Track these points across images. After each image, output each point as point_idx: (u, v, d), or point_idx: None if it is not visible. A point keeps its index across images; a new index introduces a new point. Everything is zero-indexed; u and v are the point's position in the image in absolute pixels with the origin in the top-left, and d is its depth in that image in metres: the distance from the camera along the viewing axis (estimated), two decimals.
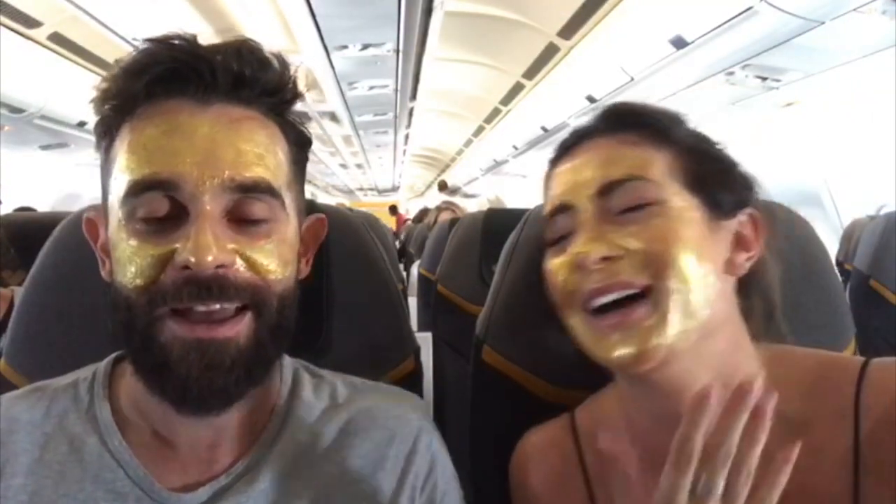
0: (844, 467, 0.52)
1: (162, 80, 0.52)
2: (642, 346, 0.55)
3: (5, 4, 2.43)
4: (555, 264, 0.61)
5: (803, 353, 0.61)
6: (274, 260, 0.53)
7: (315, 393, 0.63)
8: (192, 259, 0.48)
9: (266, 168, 0.53)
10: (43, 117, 3.44)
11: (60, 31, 2.92)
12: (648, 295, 0.55)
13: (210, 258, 0.48)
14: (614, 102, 0.65)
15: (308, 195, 0.64)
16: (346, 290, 0.80)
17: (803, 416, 0.55)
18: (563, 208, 0.61)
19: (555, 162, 0.65)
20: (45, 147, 4.23)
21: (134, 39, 2.81)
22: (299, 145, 0.59)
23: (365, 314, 0.80)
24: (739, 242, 0.60)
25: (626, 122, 0.62)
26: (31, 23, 2.74)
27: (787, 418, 0.51)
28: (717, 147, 0.63)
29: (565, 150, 0.65)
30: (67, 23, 2.83)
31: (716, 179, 0.59)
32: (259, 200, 0.53)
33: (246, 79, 0.54)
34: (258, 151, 0.53)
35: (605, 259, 0.56)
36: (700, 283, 0.55)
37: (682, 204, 0.57)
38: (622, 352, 0.56)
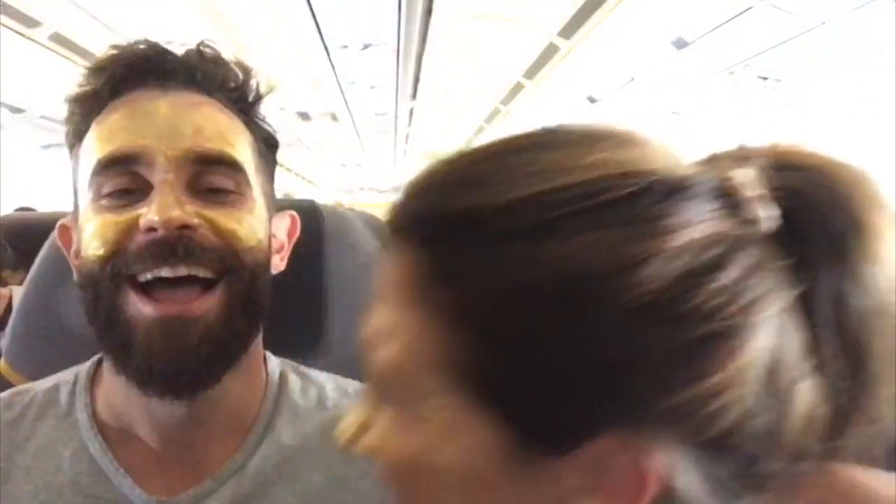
0: None
1: (124, 77, 0.54)
2: None
3: (5, 4, 2.43)
4: None
5: None
6: (241, 227, 0.52)
7: (302, 395, 0.61)
8: (156, 218, 0.47)
9: (227, 143, 0.53)
10: (43, 117, 3.44)
11: (60, 31, 2.92)
12: None
13: (175, 213, 0.48)
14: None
15: (307, 195, 0.64)
16: (346, 291, 0.79)
17: None
18: None
19: None
20: (45, 147, 4.23)
21: (134, 39, 2.81)
22: (266, 143, 0.59)
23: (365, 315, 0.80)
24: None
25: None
26: (31, 23, 2.73)
27: None
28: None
29: None
30: (67, 23, 2.83)
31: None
32: (221, 174, 0.52)
33: (204, 71, 0.55)
34: (219, 129, 0.54)
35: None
36: None
37: None
38: None
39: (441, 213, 0.31)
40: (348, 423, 0.37)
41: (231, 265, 0.51)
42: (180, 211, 0.48)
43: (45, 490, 0.53)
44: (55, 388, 0.59)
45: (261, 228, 0.55)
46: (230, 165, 0.53)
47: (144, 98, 0.53)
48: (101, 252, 0.49)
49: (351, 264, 0.80)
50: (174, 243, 0.48)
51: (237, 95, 0.57)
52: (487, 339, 0.29)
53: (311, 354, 0.69)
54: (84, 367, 0.60)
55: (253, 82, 0.58)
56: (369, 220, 0.92)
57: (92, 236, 0.50)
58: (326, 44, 3.08)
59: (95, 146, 0.52)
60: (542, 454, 0.29)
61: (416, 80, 4.31)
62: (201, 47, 0.56)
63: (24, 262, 1.74)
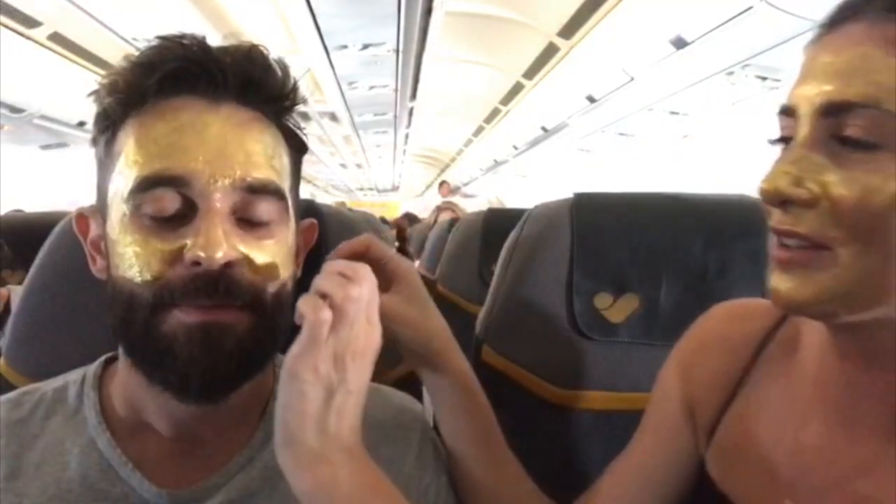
0: None
1: (173, 77, 0.52)
2: (795, 293, 0.46)
3: (5, 4, 2.43)
4: (770, 170, 0.47)
5: None
6: (276, 262, 0.54)
7: None
8: (203, 255, 0.48)
9: (273, 170, 0.54)
10: (43, 117, 3.44)
11: (60, 31, 2.92)
12: (833, 247, 0.44)
13: (220, 254, 0.49)
14: None
15: (308, 195, 0.64)
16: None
17: None
18: (786, 110, 0.48)
19: (813, 41, 0.48)
20: (45, 147, 4.23)
21: (134, 39, 2.81)
22: (297, 150, 0.60)
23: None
24: None
25: None
26: (31, 23, 2.73)
27: None
28: None
29: (828, 28, 0.46)
30: (67, 23, 2.82)
31: None
32: (266, 202, 0.53)
33: (254, 82, 0.54)
34: (267, 153, 0.54)
35: (790, 202, 0.45)
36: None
37: None
38: (774, 286, 0.47)
39: None
40: (776, 174, 0.45)
41: (261, 301, 0.53)
42: (226, 247, 0.49)
43: (55, 486, 0.53)
44: (63, 388, 0.60)
45: (291, 259, 0.57)
46: (274, 194, 0.54)
47: (193, 109, 0.52)
48: (146, 278, 0.50)
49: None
50: (217, 279, 0.49)
51: (280, 107, 0.57)
52: None
53: None
54: (92, 367, 0.61)
55: (291, 84, 0.58)
56: (369, 220, 0.92)
57: (134, 258, 0.50)
58: (326, 44, 3.08)
59: (138, 156, 0.51)
60: None
61: (416, 80, 4.31)
62: (252, 51, 0.55)
63: (24, 262, 1.75)
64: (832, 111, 0.43)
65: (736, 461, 0.57)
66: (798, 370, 0.56)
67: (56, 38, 2.93)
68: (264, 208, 0.53)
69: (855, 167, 0.42)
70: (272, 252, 0.53)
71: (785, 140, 0.48)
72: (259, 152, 0.53)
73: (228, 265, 0.50)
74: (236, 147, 0.52)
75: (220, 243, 0.49)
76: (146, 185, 0.50)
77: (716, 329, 0.63)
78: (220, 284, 0.50)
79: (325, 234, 0.77)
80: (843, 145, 0.43)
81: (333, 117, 5.29)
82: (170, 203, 0.50)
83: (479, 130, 6.57)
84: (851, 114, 0.42)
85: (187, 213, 0.50)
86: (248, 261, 0.52)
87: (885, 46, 0.41)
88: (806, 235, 0.44)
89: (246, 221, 0.53)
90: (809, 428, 0.53)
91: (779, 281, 0.47)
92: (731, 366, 0.60)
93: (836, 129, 0.43)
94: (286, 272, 0.55)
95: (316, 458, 0.49)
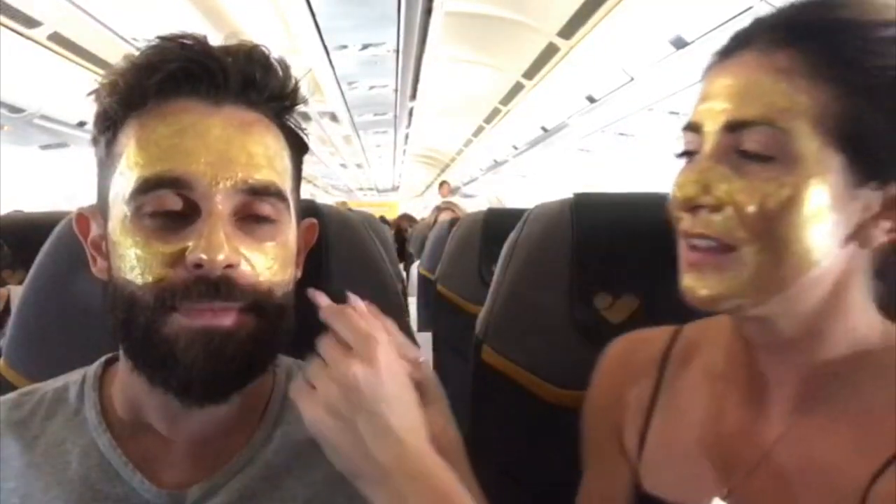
0: None
1: (174, 78, 0.52)
2: (709, 290, 0.52)
3: (5, 4, 2.43)
4: (677, 179, 0.54)
5: None
6: (276, 263, 0.53)
7: None
8: (205, 257, 0.48)
9: (275, 171, 0.54)
10: (43, 117, 3.44)
11: (60, 31, 2.92)
12: (738, 247, 0.50)
13: (221, 257, 0.48)
14: (795, 1, 0.52)
15: (308, 195, 0.64)
16: (346, 290, 0.80)
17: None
18: (691, 127, 0.54)
19: (711, 67, 0.55)
20: (44, 147, 4.23)
21: (134, 39, 2.81)
22: (298, 150, 0.60)
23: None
24: (891, 209, 0.49)
25: (790, 35, 0.50)
26: (31, 23, 2.73)
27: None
28: None
29: (724, 55, 0.54)
30: (67, 23, 2.82)
31: (886, 138, 0.48)
32: (267, 203, 0.53)
33: (255, 82, 0.54)
34: (269, 154, 0.54)
35: (699, 208, 0.51)
36: (801, 257, 0.49)
37: (816, 168, 0.47)
38: (688, 286, 0.53)
39: (834, 21, 0.49)
40: (685, 182, 0.51)
41: (262, 303, 0.53)
42: (227, 249, 0.49)
43: (56, 486, 0.54)
44: (64, 388, 0.60)
45: (292, 260, 0.57)
46: (276, 195, 0.53)
47: (195, 111, 0.52)
48: (146, 280, 0.50)
49: (351, 264, 0.81)
50: (218, 282, 0.49)
51: (281, 106, 0.57)
52: (864, 106, 0.47)
53: (311, 353, 0.69)
54: (92, 367, 0.61)
55: (293, 83, 0.57)
56: (369, 220, 0.92)
57: (135, 261, 0.50)
58: (326, 44, 3.08)
59: (140, 158, 0.51)
60: (868, 182, 0.48)
61: (416, 80, 4.31)
62: (253, 51, 0.55)
63: (24, 262, 1.75)
64: (733, 128, 0.50)
65: (665, 469, 0.61)
66: (702, 374, 0.63)
67: (56, 38, 2.93)
68: (265, 210, 0.53)
69: (753, 176, 0.49)
70: (273, 254, 0.53)
71: (689, 154, 0.55)
72: (261, 154, 0.53)
73: (230, 267, 0.50)
74: (238, 149, 0.52)
75: (221, 246, 0.49)
76: (148, 187, 0.50)
77: (620, 361, 0.70)
78: (222, 287, 0.50)
79: (325, 234, 0.77)
80: (743, 157, 0.49)
81: (333, 117, 5.29)
82: (171, 205, 0.50)
83: (479, 130, 6.57)
84: (749, 131, 0.49)
85: (189, 216, 0.50)
86: (249, 263, 0.52)
87: (774, 74, 0.49)
88: (715, 237, 0.51)
89: (247, 223, 0.53)
90: (726, 418, 0.58)
91: (691, 281, 0.53)
92: (641, 389, 0.66)
93: (736, 143, 0.50)
94: (287, 274, 0.55)
95: (380, 483, 0.49)
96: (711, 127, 0.51)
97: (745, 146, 0.49)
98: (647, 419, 0.65)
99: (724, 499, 0.55)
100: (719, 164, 0.50)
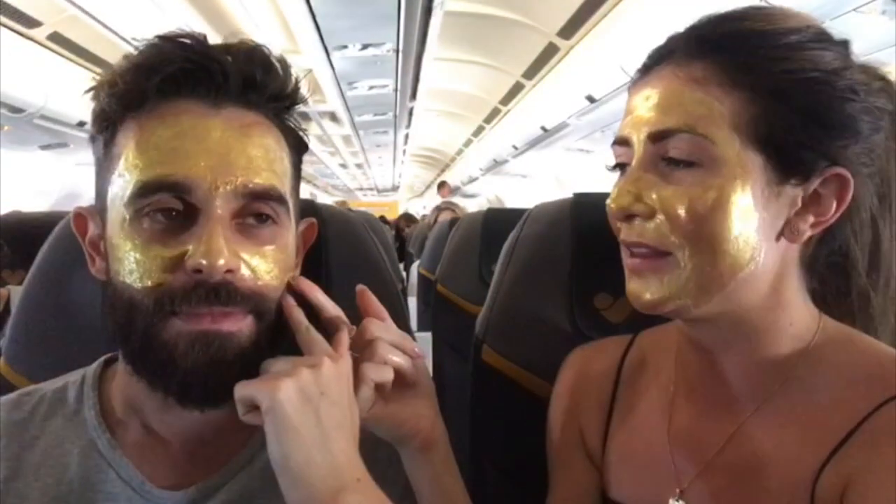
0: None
1: (174, 79, 0.51)
2: (651, 294, 0.55)
3: (5, 4, 2.43)
4: (612, 191, 0.57)
5: (867, 342, 0.55)
6: (276, 267, 0.53)
7: None
8: (205, 262, 0.48)
9: (275, 174, 0.53)
10: (43, 117, 3.44)
11: (60, 31, 2.92)
12: (673, 252, 0.53)
13: (222, 262, 0.48)
14: (706, 16, 0.56)
15: (308, 195, 0.64)
16: (346, 291, 0.80)
17: (835, 401, 0.52)
18: (620, 140, 0.57)
19: (634, 82, 0.58)
20: (44, 147, 4.23)
21: (134, 39, 2.81)
22: (298, 150, 0.60)
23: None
24: (812, 203, 0.52)
25: (703, 47, 0.53)
26: (31, 23, 2.74)
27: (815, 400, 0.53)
28: (827, 83, 0.51)
29: (644, 71, 0.57)
30: (67, 23, 2.83)
31: (799, 135, 0.50)
32: (267, 206, 0.53)
33: (255, 83, 0.54)
34: (269, 158, 0.53)
35: (633, 216, 0.54)
36: (734, 256, 0.51)
37: (738, 169, 0.50)
38: (633, 291, 0.57)
39: (742, 31, 0.53)
40: (619, 193, 0.54)
41: (262, 306, 0.53)
42: (227, 254, 0.49)
43: (56, 486, 0.54)
44: (63, 389, 0.60)
45: (291, 262, 0.57)
46: (276, 199, 0.53)
47: (194, 113, 0.51)
48: (145, 284, 0.50)
49: (351, 264, 0.81)
50: (218, 287, 0.49)
51: (280, 105, 0.57)
52: (776, 108, 0.50)
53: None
54: (91, 368, 0.61)
55: (293, 83, 0.57)
56: (369, 220, 0.92)
57: (135, 264, 0.50)
58: (326, 44, 3.08)
59: (139, 160, 0.50)
60: (790, 179, 0.51)
61: (416, 80, 4.31)
62: (253, 51, 0.54)
63: (24, 262, 1.75)
64: (658, 137, 0.53)
65: (625, 474, 0.64)
66: (655, 379, 0.65)
67: (56, 38, 2.93)
68: (264, 208, 0.53)
69: (680, 182, 0.52)
70: (273, 257, 0.53)
71: (620, 166, 0.58)
72: (260, 157, 0.53)
73: (230, 272, 0.50)
74: (238, 153, 0.51)
75: (221, 251, 0.48)
76: (147, 190, 0.50)
77: (579, 371, 0.72)
78: (222, 292, 0.49)
79: (324, 233, 0.77)
80: (669, 164, 0.52)
81: (333, 117, 5.30)
82: (168, 203, 0.50)
83: (479, 130, 6.57)
84: (672, 139, 0.52)
85: (188, 219, 0.50)
86: (249, 267, 0.52)
87: (692, 84, 0.52)
88: (649, 244, 0.53)
89: (247, 226, 0.52)
90: (678, 420, 0.60)
91: (634, 286, 0.56)
92: (599, 397, 0.68)
93: (662, 152, 0.53)
94: (286, 276, 0.55)
95: (330, 494, 0.47)
96: (637, 138, 0.54)
97: (671, 154, 0.52)
98: (605, 427, 0.67)
99: (676, 500, 0.57)
100: (648, 174, 0.53)
